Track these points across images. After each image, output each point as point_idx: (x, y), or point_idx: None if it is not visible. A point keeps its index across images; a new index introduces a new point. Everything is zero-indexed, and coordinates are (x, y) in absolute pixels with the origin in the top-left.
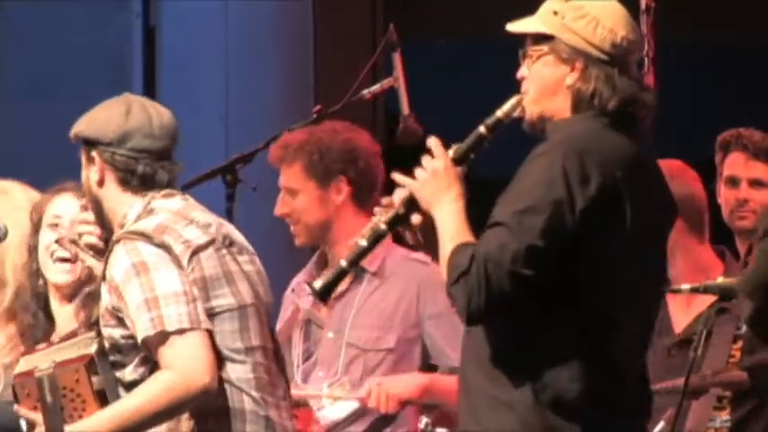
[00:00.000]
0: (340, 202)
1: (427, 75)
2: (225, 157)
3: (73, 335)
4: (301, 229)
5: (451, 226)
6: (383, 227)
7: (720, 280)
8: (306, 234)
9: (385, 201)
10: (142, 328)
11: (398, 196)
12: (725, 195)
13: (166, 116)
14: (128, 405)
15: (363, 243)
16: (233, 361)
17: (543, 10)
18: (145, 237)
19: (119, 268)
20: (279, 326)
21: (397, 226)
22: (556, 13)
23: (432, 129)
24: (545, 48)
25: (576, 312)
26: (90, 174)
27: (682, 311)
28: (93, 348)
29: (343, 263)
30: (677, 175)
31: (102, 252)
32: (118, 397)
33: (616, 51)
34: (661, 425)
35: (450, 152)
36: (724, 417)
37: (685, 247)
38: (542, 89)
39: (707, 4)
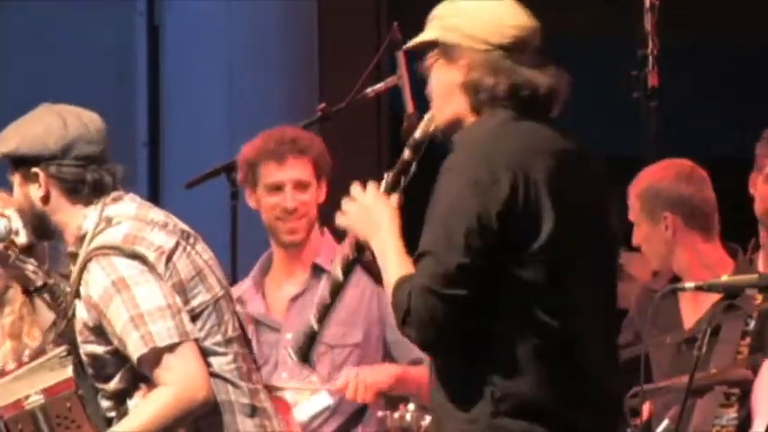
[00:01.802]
0: None
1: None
2: (229, 156)
3: (41, 352)
4: (305, 225)
5: (388, 257)
6: (341, 278)
7: (725, 278)
8: (308, 230)
9: (339, 248)
10: (134, 348)
11: (347, 240)
12: (761, 190)
13: (97, 119)
14: (131, 426)
15: (327, 300)
16: (216, 354)
17: (428, 20)
18: (117, 250)
19: (97, 286)
20: None
21: (354, 268)
22: (437, 18)
23: None
24: (435, 54)
25: (524, 315)
26: (30, 192)
27: (691, 308)
28: (69, 368)
29: (314, 322)
30: (685, 174)
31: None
32: (98, 408)
33: (501, 40)
34: (666, 423)
35: (383, 183)
36: (731, 414)
37: (686, 245)
38: (440, 95)
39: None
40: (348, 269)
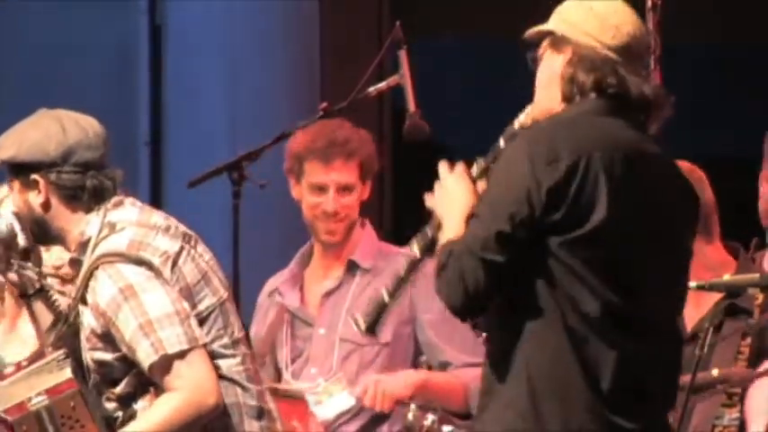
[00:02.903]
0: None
1: (433, 72)
2: (231, 155)
3: (40, 355)
4: (344, 227)
5: (448, 232)
6: (418, 255)
7: (727, 277)
8: (347, 231)
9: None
10: (145, 356)
11: (432, 220)
12: (762, 190)
13: (96, 124)
14: (141, 429)
15: (401, 273)
16: (224, 357)
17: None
18: (123, 257)
19: (104, 294)
20: (259, 328)
21: (432, 250)
22: (557, 12)
23: (438, 126)
24: (545, 45)
25: (565, 305)
26: (29, 198)
27: (692, 308)
28: (67, 370)
29: (385, 295)
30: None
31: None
32: (100, 410)
33: (612, 41)
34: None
35: (474, 167)
36: (734, 414)
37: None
38: (542, 84)
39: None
40: (426, 248)
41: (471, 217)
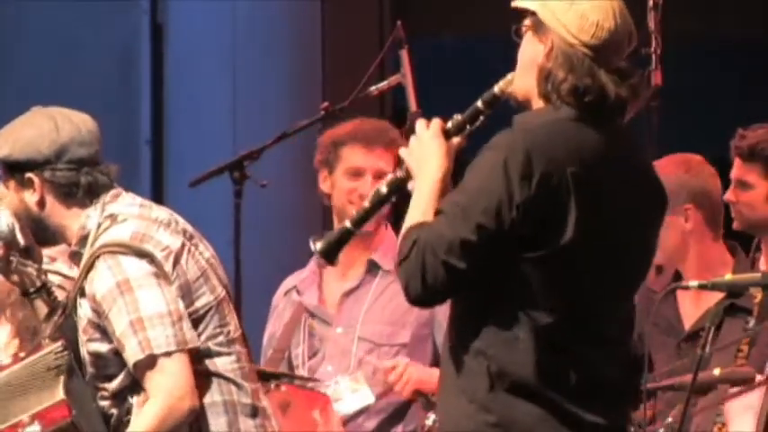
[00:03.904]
0: None
1: (434, 71)
2: (232, 154)
3: (37, 346)
4: (378, 215)
5: (419, 197)
6: (384, 190)
7: (728, 277)
8: (378, 223)
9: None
10: (131, 354)
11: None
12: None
13: (89, 120)
14: None
15: (366, 204)
16: (219, 355)
17: None
18: (125, 248)
19: (101, 285)
20: (275, 328)
21: (397, 190)
22: None
23: None
24: (528, 23)
25: (527, 308)
26: (24, 197)
27: (691, 307)
28: (60, 385)
29: (348, 224)
30: (696, 169)
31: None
32: (96, 407)
33: (589, 39)
34: (669, 421)
35: (450, 123)
36: None
37: (699, 241)
38: (523, 65)
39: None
40: (393, 186)
41: (438, 211)
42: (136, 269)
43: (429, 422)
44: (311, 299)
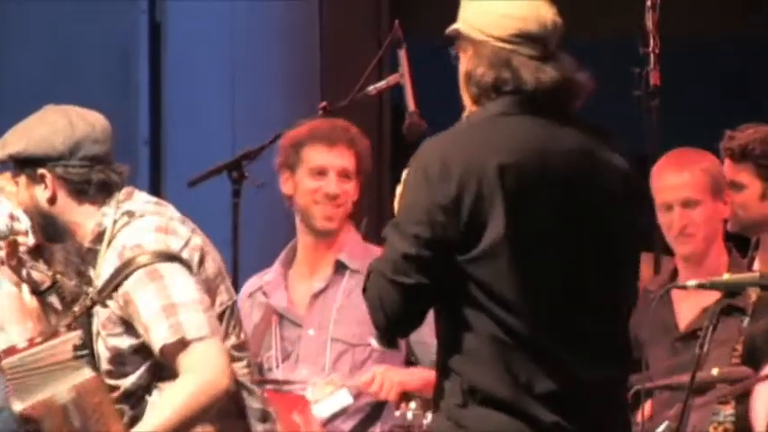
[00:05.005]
0: None
1: (432, 71)
2: (231, 154)
3: (54, 334)
4: (342, 214)
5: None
6: None
7: (726, 276)
8: (342, 221)
9: None
10: (160, 337)
11: None
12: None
13: (102, 119)
14: (163, 414)
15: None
16: (233, 359)
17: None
18: (156, 255)
19: (131, 278)
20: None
21: None
22: (460, 8)
23: (436, 124)
24: (457, 44)
25: (485, 316)
26: (35, 193)
27: (687, 306)
28: (86, 369)
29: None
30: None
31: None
32: None
33: (500, 32)
34: (666, 423)
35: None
36: (728, 411)
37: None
38: (460, 86)
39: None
40: None
41: (382, 238)
42: (164, 262)
43: (426, 422)
44: (280, 300)
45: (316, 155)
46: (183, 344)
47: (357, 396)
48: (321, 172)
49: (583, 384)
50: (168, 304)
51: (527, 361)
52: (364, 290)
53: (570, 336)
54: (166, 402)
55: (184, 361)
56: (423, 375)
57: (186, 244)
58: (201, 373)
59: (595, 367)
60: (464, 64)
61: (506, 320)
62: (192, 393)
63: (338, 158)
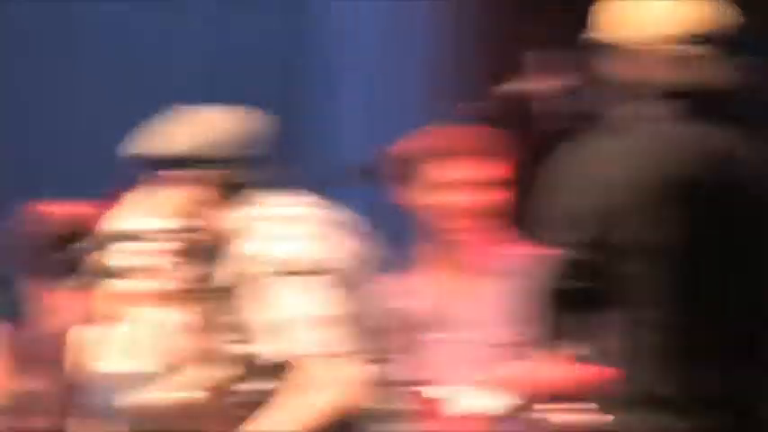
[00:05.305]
0: None
1: None
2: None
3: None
4: (480, 223)
5: None
6: None
7: None
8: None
9: None
10: (297, 347)
11: None
12: None
13: (256, 120)
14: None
15: None
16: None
17: None
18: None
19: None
20: None
21: None
22: None
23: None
24: None
25: (649, 314)
26: (190, 195)
27: None
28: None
29: None
30: None
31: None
32: None
33: (661, 34)
34: None
35: None
36: None
37: None
38: (605, 87)
39: None
40: None
41: None
42: (307, 275)
43: (551, 416)
44: (417, 303)
45: (442, 168)
46: (320, 358)
47: (504, 398)
48: (449, 185)
49: (748, 386)
50: (309, 316)
51: (694, 363)
52: (523, 297)
53: (735, 339)
54: (291, 412)
55: (318, 379)
56: (567, 374)
57: (334, 251)
58: (334, 394)
59: (757, 369)
60: (617, 66)
61: (670, 323)
62: (321, 410)
63: (467, 170)
